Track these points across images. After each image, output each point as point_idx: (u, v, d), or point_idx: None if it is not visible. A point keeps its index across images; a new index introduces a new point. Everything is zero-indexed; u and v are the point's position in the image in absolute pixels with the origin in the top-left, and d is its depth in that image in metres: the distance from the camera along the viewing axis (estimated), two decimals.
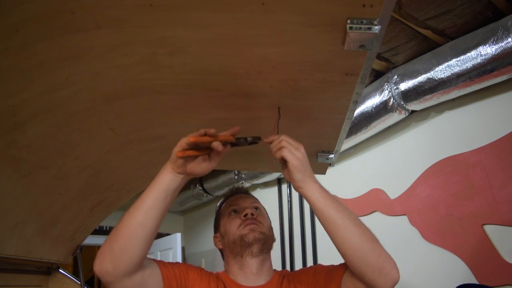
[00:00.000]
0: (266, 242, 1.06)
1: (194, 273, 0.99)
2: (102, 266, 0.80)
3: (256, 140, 0.91)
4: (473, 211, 1.96)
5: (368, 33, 0.66)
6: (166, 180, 0.83)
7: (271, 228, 1.13)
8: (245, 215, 1.07)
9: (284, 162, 0.88)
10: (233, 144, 0.87)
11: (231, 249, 1.06)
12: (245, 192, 1.21)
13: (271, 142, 0.89)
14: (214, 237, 1.17)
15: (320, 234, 2.85)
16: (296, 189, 0.90)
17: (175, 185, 0.84)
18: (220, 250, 1.15)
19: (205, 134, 0.81)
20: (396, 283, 0.85)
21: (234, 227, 1.07)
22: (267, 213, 1.19)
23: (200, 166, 0.84)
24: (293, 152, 0.85)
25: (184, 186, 0.90)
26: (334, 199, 0.88)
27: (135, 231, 0.81)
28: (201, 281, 0.98)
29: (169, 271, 0.93)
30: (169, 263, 0.97)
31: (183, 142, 0.80)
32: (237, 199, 1.15)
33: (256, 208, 1.13)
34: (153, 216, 0.82)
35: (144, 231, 0.82)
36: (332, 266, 1.00)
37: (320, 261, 2.76)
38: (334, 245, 0.88)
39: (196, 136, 0.79)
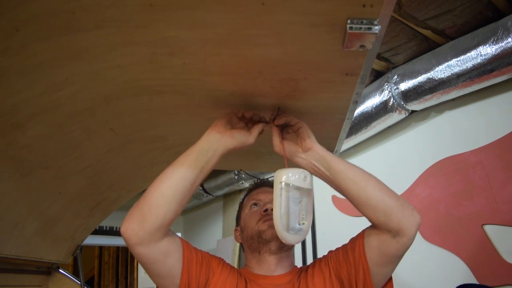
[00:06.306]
0: None
1: (215, 262, 0.96)
2: (128, 226, 0.79)
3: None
4: (473, 211, 1.96)
5: (368, 33, 0.66)
6: (210, 138, 0.88)
7: None
8: (265, 210, 1.02)
9: (279, 134, 0.93)
10: None
11: (249, 244, 1.03)
12: (270, 186, 1.11)
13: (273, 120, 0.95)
14: (235, 230, 1.13)
15: (320, 234, 2.85)
16: (307, 151, 0.93)
17: (216, 146, 0.87)
18: (241, 244, 1.12)
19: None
20: (420, 222, 0.89)
21: (253, 221, 1.03)
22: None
23: (241, 134, 0.91)
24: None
25: None
26: None
27: (167, 190, 0.82)
28: (221, 272, 0.94)
29: (191, 253, 0.90)
30: (191, 246, 0.93)
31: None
32: (260, 193, 1.10)
33: None
34: (190, 175, 0.85)
35: (178, 190, 0.83)
36: (349, 241, 0.97)
37: None
38: (355, 202, 0.89)
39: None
